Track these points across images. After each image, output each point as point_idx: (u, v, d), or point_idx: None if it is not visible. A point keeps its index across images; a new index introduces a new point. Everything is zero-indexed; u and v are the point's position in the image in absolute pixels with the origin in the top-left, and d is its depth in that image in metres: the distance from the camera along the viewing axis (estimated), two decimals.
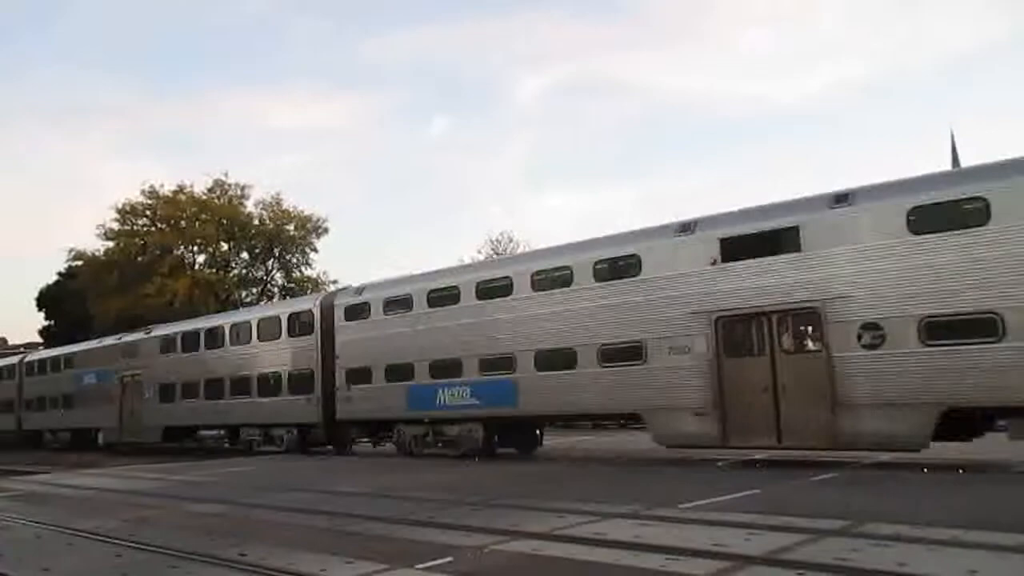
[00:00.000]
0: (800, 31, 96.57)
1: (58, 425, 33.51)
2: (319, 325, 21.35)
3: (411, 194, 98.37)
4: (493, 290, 17.39)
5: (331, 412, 20.61)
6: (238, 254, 49.66)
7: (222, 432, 25.54)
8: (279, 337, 22.64)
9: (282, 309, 24.46)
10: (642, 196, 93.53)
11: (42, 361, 36.28)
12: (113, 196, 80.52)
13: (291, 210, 48.35)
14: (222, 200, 47.80)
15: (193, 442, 27.46)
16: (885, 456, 13.30)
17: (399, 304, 19.28)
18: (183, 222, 46.66)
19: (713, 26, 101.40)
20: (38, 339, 57.93)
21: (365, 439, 21.50)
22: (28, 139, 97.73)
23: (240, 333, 24.36)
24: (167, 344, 27.37)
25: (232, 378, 23.93)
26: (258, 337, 23.45)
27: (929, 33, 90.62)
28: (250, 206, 48.74)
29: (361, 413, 20.03)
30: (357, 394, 19.88)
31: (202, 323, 27.59)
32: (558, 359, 15.86)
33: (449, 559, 6.57)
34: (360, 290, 21.08)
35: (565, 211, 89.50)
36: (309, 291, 45.33)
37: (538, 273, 16.67)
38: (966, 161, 26.69)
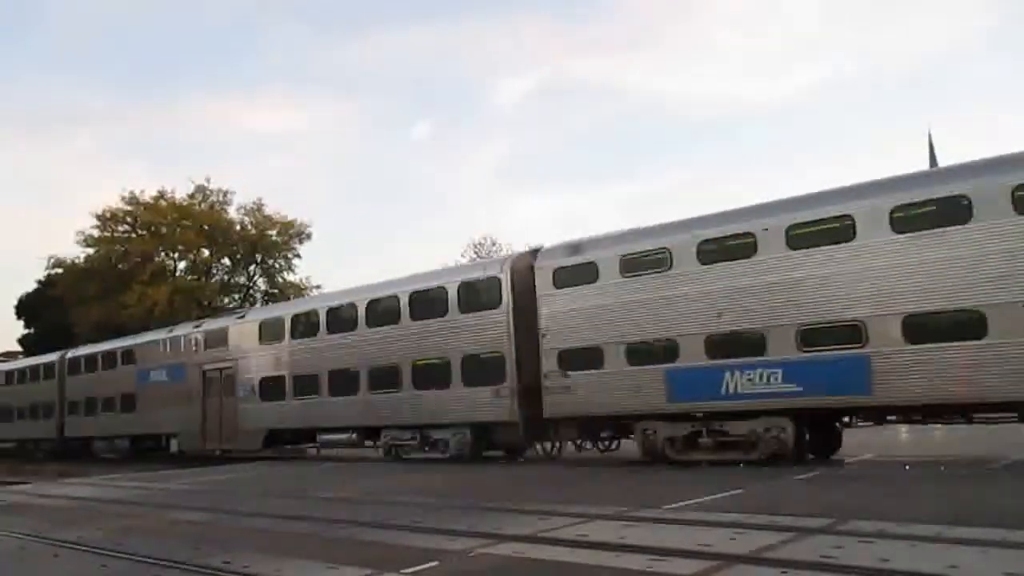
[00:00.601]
0: (776, 32, 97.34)
1: (114, 431, 29.04)
2: (509, 295, 17.19)
3: (393, 198, 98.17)
4: (817, 235, 13.36)
5: (530, 407, 16.51)
6: (219, 260, 49.36)
7: (353, 435, 21.44)
8: (445, 314, 18.42)
9: (448, 278, 19.46)
10: (621, 196, 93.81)
11: (91, 357, 31.14)
12: (93, 203, 79.62)
13: (273, 216, 48.11)
14: (203, 206, 47.47)
15: (295, 448, 23.26)
16: (868, 454, 13.41)
17: (648, 262, 15.15)
18: (164, 228, 46.29)
19: (689, 28, 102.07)
20: (17, 347, 57.31)
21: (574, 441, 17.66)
22: (5, 146, 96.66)
23: (381, 312, 20.06)
24: (271, 329, 22.96)
25: (371, 368, 19.76)
26: (411, 315, 19.20)
27: (907, 32, 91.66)
28: (232, 212, 48.49)
29: (586, 407, 15.73)
30: (580, 382, 15.64)
31: (322, 302, 23.29)
32: (948, 326, 12.05)
33: (435, 563, 6.57)
34: (577, 247, 16.69)
35: (547, 213, 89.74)
36: (291, 297, 44.03)
37: (900, 209, 12.54)
38: (943, 160, 26.76)
